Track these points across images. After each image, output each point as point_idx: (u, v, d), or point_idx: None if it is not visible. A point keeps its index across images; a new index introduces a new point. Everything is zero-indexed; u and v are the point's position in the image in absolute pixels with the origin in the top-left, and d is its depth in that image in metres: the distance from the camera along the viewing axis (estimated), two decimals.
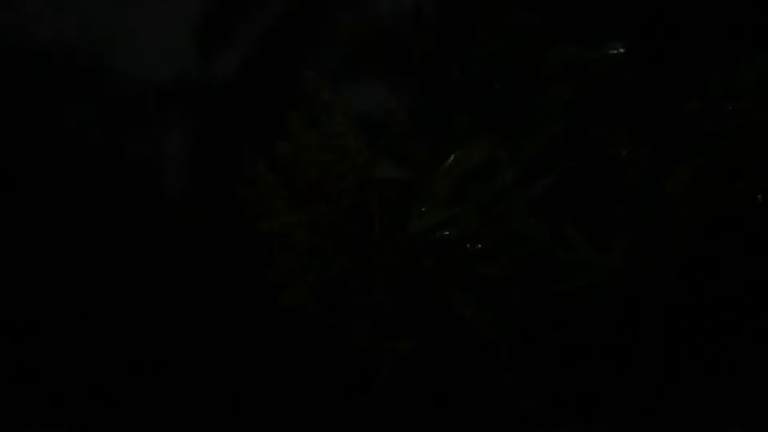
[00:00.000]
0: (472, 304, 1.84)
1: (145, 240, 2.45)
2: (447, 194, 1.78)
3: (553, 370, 1.96)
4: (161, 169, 2.52)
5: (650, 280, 1.88)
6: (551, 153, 1.82)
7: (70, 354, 2.38)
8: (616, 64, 1.88)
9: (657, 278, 1.88)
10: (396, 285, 1.82)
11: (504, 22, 1.98)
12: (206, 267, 2.40)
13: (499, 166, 1.79)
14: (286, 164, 1.83)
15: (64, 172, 2.52)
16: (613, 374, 1.99)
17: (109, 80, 2.68)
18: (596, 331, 1.95)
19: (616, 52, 1.88)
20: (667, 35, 1.99)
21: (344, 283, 1.83)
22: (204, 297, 2.39)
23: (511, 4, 2.10)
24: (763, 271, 1.90)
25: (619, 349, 1.97)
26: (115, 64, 2.67)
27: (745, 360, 1.96)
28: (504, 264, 1.82)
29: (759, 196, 1.81)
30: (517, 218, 1.77)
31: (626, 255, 1.82)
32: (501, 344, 1.88)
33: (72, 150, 2.53)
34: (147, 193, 2.49)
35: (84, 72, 2.68)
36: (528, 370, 1.96)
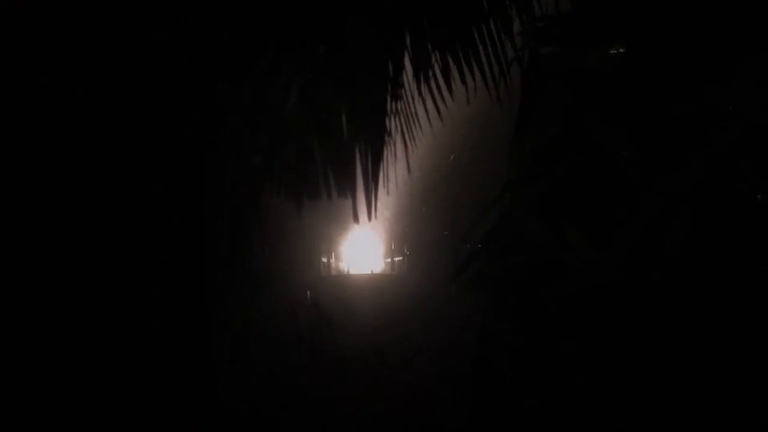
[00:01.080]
0: (473, 303, 1.84)
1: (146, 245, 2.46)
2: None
3: (554, 369, 1.96)
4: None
5: (650, 280, 1.88)
6: (551, 153, 1.82)
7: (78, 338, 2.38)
8: (616, 64, 1.88)
9: (656, 278, 1.88)
10: None
11: (504, 24, 1.99)
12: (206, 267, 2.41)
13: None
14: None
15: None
16: (613, 374, 1.99)
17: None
18: (597, 330, 1.95)
19: (616, 52, 1.89)
20: (666, 36, 2.00)
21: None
22: (205, 296, 2.40)
23: (512, 5, 2.11)
24: (763, 271, 1.91)
25: (619, 348, 1.97)
26: None
27: (746, 360, 1.96)
28: (505, 264, 1.83)
29: (759, 196, 1.81)
30: (517, 218, 1.77)
31: (626, 255, 1.83)
32: (501, 344, 1.88)
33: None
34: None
35: None
36: (528, 370, 1.96)
